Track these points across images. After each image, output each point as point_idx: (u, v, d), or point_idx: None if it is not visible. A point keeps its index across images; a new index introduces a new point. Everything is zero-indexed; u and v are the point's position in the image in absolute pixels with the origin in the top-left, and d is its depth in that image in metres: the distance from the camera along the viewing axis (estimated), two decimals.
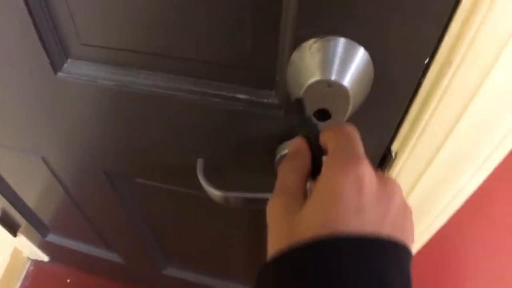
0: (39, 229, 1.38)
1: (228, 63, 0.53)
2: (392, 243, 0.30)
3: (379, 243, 0.30)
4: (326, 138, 0.38)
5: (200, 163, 0.63)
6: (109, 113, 0.67)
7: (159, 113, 0.62)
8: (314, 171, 0.37)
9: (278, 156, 0.58)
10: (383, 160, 0.57)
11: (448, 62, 0.43)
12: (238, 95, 0.55)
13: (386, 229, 0.31)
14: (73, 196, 1.05)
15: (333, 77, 0.42)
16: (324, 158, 0.37)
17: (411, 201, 0.61)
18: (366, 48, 0.43)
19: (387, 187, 0.33)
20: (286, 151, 0.57)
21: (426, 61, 0.44)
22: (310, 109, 0.46)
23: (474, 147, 0.51)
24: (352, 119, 0.51)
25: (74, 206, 1.10)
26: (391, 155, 0.56)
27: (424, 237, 0.69)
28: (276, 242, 0.32)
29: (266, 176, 0.62)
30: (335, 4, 0.40)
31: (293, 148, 0.40)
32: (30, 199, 1.23)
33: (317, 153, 0.38)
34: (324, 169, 0.34)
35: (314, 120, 0.47)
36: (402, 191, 0.34)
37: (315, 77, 0.43)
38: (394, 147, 0.55)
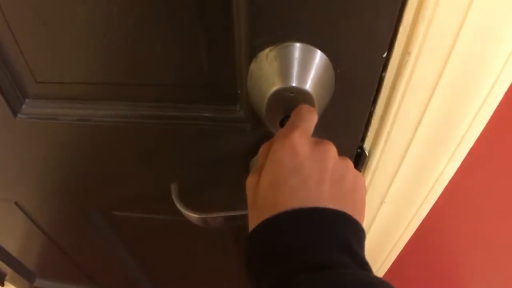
0: (25, 276, 1.34)
1: (186, 83, 0.52)
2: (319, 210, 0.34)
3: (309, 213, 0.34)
4: None
5: (174, 188, 0.61)
6: (74, 149, 0.65)
7: (125, 143, 0.61)
8: None
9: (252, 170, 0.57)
10: (357, 158, 0.57)
11: (406, 53, 0.43)
12: (202, 114, 0.54)
13: (326, 183, 0.35)
14: (53, 238, 1.02)
15: (294, 83, 0.41)
16: None
17: (391, 195, 0.61)
18: (323, 50, 0.43)
19: (320, 147, 0.38)
20: None
21: (385, 55, 0.43)
22: (275, 118, 0.45)
23: (445, 133, 0.51)
24: (319, 122, 0.50)
25: (56, 248, 1.07)
26: (364, 153, 0.55)
27: (410, 229, 0.68)
28: (251, 217, 0.38)
29: (244, 191, 0.60)
30: (285, 11, 0.40)
31: None
32: (12, 247, 1.19)
33: None
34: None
35: None
36: (335, 150, 0.39)
37: (276, 85, 0.42)
38: (367, 144, 0.55)
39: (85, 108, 0.59)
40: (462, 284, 0.89)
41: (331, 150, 0.38)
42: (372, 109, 0.50)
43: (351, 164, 0.40)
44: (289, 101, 0.43)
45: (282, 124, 0.46)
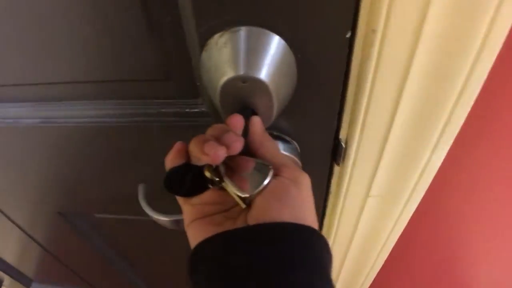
0: (21, 281, 1.32)
1: (142, 78, 0.48)
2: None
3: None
4: None
5: (141, 189, 0.57)
6: (40, 152, 0.62)
7: (89, 143, 0.57)
8: None
9: None
10: (334, 150, 0.52)
11: (371, 31, 0.38)
12: (163, 110, 0.50)
13: None
14: (40, 242, 0.99)
15: (244, 72, 0.37)
16: None
17: (377, 188, 0.56)
18: (278, 33, 0.38)
19: None
20: None
21: (348, 35, 0.39)
22: (233, 110, 0.41)
23: (425, 119, 0.46)
24: (288, 113, 0.46)
25: (47, 254, 1.05)
26: (341, 145, 0.51)
27: (401, 223, 0.64)
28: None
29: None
30: None
31: None
32: (7, 254, 1.18)
33: None
34: None
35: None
36: None
37: (226, 75, 0.38)
38: (343, 135, 0.50)
39: (47, 109, 0.56)
40: (459, 276, 0.85)
41: None
42: (343, 96, 0.45)
43: None
44: (244, 92, 0.38)
45: (243, 114, 0.42)
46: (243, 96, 0.39)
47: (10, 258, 1.21)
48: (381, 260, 0.77)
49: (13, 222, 0.90)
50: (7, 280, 1.34)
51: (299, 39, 0.39)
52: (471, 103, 0.44)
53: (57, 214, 0.79)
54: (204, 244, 0.34)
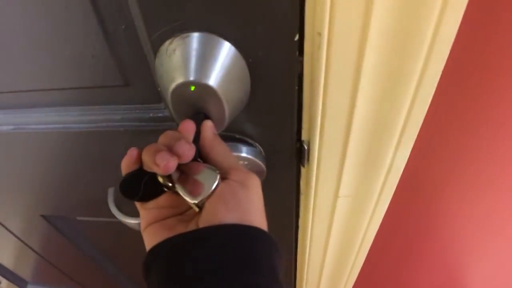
0: (17, 283, 1.34)
1: (106, 84, 0.48)
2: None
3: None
4: None
5: (111, 192, 0.58)
6: (16, 157, 0.63)
7: (61, 148, 0.58)
8: None
9: None
10: (299, 152, 0.53)
11: (317, 34, 0.38)
12: (127, 115, 0.51)
13: None
14: (30, 245, 1.00)
15: (192, 78, 0.37)
16: None
17: (345, 188, 0.57)
18: (227, 38, 0.39)
19: None
20: None
21: (296, 38, 0.39)
22: (184, 114, 0.42)
23: (384, 117, 0.46)
24: (247, 116, 0.47)
25: (37, 256, 1.06)
26: (303, 146, 0.51)
27: (375, 222, 0.64)
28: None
29: None
30: None
31: None
32: (2, 256, 1.19)
33: None
34: None
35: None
36: None
37: (175, 81, 0.38)
38: (304, 137, 0.51)
39: (17, 117, 0.57)
40: (439, 272, 0.85)
41: None
42: (299, 98, 0.46)
43: None
44: (194, 97, 0.39)
45: (195, 119, 0.42)
46: (194, 102, 0.40)
47: (5, 261, 1.22)
48: (361, 259, 0.77)
49: (3, 225, 0.92)
50: (4, 282, 1.35)
51: (248, 44, 0.39)
52: (428, 100, 0.44)
53: (40, 217, 0.80)
54: (154, 249, 0.35)
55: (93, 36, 0.43)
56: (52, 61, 0.47)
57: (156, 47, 0.40)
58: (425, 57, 0.40)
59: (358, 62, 0.40)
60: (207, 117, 0.41)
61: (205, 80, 0.38)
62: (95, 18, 0.41)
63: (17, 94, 0.53)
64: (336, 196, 0.59)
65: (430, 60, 0.40)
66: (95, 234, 0.88)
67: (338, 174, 0.55)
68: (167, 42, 0.39)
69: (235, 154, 0.50)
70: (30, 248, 1.01)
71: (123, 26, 0.42)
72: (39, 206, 0.77)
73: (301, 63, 0.42)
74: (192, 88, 0.38)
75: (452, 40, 0.38)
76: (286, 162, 0.54)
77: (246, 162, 0.51)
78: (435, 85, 0.43)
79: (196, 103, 0.40)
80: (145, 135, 0.52)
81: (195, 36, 0.39)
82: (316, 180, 0.56)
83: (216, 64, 0.38)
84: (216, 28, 0.38)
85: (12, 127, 0.57)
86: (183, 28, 0.39)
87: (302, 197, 0.63)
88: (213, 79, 0.38)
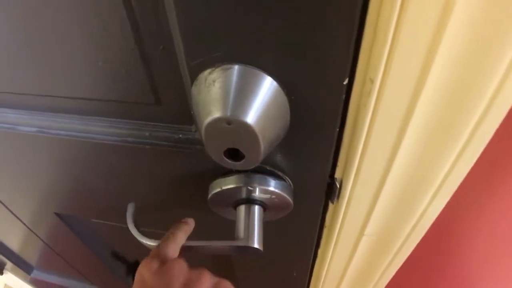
0: (23, 267, 1.34)
1: (137, 101, 0.46)
2: None
3: None
4: None
5: (130, 208, 0.56)
6: (36, 158, 0.61)
7: (82, 156, 0.56)
8: None
9: (210, 194, 0.51)
10: (329, 188, 0.50)
11: (369, 80, 0.36)
12: (155, 133, 0.49)
13: None
14: (40, 236, 1.00)
15: (229, 114, 0.35)
16: None
17: (372, 228, 0.54)
18: (271, 74, 0.36)
19: (165, 267, 0.42)
20: (219, 189, 0.50)
21: (346, 82, 0.36)
22: (219, 148, 0.39)
23: (425, 168, 0.44)
24: (282, 150, 0.44)
25: (45, 246, 1.05)
26: (335, 184, 0.48)
27: (395, 264, 0.62)
28: None
29: (203, 217, 0.55)
30: (225, 28, 0.34)
31: None
32: (11, 241, 1.19)
33: None
34: None
35: None
36: (183, 265, 0.43)
37: (212, 114, 0.36)
38: (338, 175, 0.48)
39: (43, 120, 0.55)
40: None
41: (177, 267, 0.42)
42: (339, 138, 0.43)
43: (207, 275, 0.42)
44: (229, 133, 0.37)
45: (228, 155, 0.40)
46: (229, 137, 0.37)
47: (13, 246, 1.22)
48: None
49: (15, 215, 0.91)
50: (9, 265, 1.36)
51: (293, 83, 0.37)
52: (474, 159, 0.41)
53: (54, 214, 0.79)
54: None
55: (128, 52, 0.41)
56: (83, 70, 0.45)
57: (194, 74, 0.38)
58: (478, 119, 0.37)
59: (408, 113, 0.37)
60: (241, 153, 0.39)
61: (243, 118, 0.35)
62: (132, 36, 0.39)
63: (44, 98, 0.52)
64: (361, 234, 0.56)
65: (483, 122, 0.37)
66: (107, 235, 0.87)
67: (367, 214, 0.52)
68: (207, 72, 0.37)
69: (263, 187, 0.47)
70: (39, 238, 1.00)
71: (161, 47, 0.40)
72: (54, 204, 0.76)
73: (346, 105, 0.39)
74: (229, 124, 0.36)
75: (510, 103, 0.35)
76: (315, 197, 0.52)
77: (273, 196, 0.49)
78: (484, 145, 0.40)
79: (231, 139, 0.38)
80: (171, 155, 0.50)
81: (237, 69, 0.36)
82: (344, 217, 0.53)
83: (257, 100, 0.36)
84: (261, 62, 0.36)
85: (35, 129, 0.56)
86: (224, 59, 0.36)
87: (325, 230, 0.60)
88: (252, 117, 0.35)
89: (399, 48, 0.32)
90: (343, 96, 0.38)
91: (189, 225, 0.51)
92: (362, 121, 0.39)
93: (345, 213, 0.53)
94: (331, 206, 0.54)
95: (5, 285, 1.55)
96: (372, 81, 0.35)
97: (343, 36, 0.32)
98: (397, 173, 0.44)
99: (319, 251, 0.67)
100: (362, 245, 0.59)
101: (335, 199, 0.51)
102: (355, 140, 0.42)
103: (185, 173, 0.53)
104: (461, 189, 0.46)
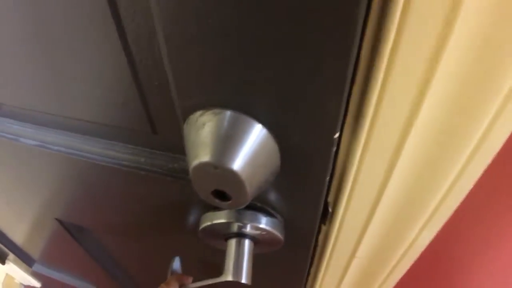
0: (24, 259, 1.36)
1: (133, 127, 0.47)
2: None
3: None
4: None
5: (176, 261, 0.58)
6: (40, 168, 0.62)
7: (80, 174, 0.57)
8: None
9: (201, 226, 0.51)
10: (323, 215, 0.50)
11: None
12: (150, 160, 0.49)
13: None
14: (42, 237, 1.01)
15: (216, 159, 0.35)
16: None
17: (363, 251, 0.54)
18: (263, 122, 0.36)
19: None
20: (209, 222, 0.50)
21: (336, 136, 0.36)
22: (206, 188, 0.39)
23: (415, 196, 0.43)
24: (269, 192, 0.44)
25: (47, 245, 1.07)
26: (328, 209, 0.48)
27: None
28: None
29: (194, 243, 0.56)
30: (217, 71, 0.33)
31: None
32: (13, 235, 1.21)
33: None
34: None
35: None
36: None
37: (199, 158, 0.36)
38: (330, 199, 0.48)
39: (44, 135, 0.56)
40: None
41: None
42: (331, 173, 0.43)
43: None
44: (216, 176, 0.37)
45: (216, 195, 0.40)
46: (215, 180, 0.37)
47: (16, 239, 1.24)
48: None
49: (17, 215, 0.92)
50: (11, 256, 1.38)
51: (284, 132, 0.37)
52: (465, 192, 0.41)
53: (55, 220, 0.80)
54: None
55: (126, 85, 0.41)
56: (83, 95, 0.45)
57: (186, 114, 0.38)
58: (467, 158, 0.36)
59: (397, 150, 0.38)
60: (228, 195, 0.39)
61: (230, 164, 0.35)
62: (129, 71, 0.39)
63: (46, 115, 0.52)
64: (352, 256, 0.57)
65: (473, 159, 0.36)
66: (105, 243, 0.88)
67: (358, 237, 0.53)
68: (198, 113, 0.37)
69: (254, 224, 0.47)
70: (41, 238, 1.02)
71: (157, 83, 0.40)
72: (54, 211, 0.77)
73: (336, 150, 0.39)
74: (216, 168, 0.36)
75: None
76: (305, 234, 0.52)
77: (264, 232, 0.49)
78: (475, 180, 0.39)
79: (218, 181, 0.38)
80: (165, 183, 0.50)
81: (228, 115, 0.36)
82: (335, 239, 0.54)
83: (245, 147, 0.36)
84: (252, 110, 0.36)
85: (37, 143, 0.57)
86: (216, 103, 0.36)
87: (318, 249, 0.60)
88: (239, 164, 0.35)
89: (389, 91, 0.32)
90: (334, 148, 0.38)
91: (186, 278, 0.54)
92: (354, 154, 0.39)
93: (336, 236, 0.53)
94: (323, 227, 0.54)
95: (7, 274, 1.58)
96: (362, 127, 0.35)
97: (336, 91, 0.32)
98: (388, 201, 0.45)
99: (312, 269, 0.67)
100: (354, 267, 0.59)
101: (327, 221, 0.51)
102: (347, 168, 0.42)
103: (177, 201, 0.53)
104: (452, 218, 0.46)
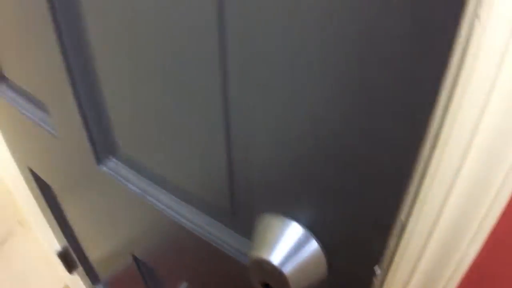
0: (90, 276, 1.47)
1: (215, 204, 0.56)
2: None
3: None
4: None
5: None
6: (132, 210, 0.74)
7: (161, 225, 0.67)
8: None
9: None
10: None
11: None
12: (231, 241, 0.57)
13: None
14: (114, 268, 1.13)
15: (271, 259, 0.43)
16: None
17: None
18: (321, 241, 0.44)
19: None
20: None
21: (378, 272, 0.42)
22: (257, 277, 0.47)
23: None
24: None
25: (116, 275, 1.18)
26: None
27: None
28: None
29: None
30: (302, 194, 0.42)
31: None
32: (91, 253, 1.34)
33: None
34: None
35: None
36: None
37: (258, 251, 0.44)
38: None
39: (149, 184, 0.67)
40: None
41: None
42: None
43: None
44: (267, 272, 0.44)
45: (264, 286, 0.47)
46: (265, 275, 0.45)
47: (91, 256, 1.36)
48: None
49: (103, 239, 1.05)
50: (80, 268, 1.49)
51: (333, 254, 0.43)
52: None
53: (130, 255, 0.92)
54: None
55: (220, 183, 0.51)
56: (180, 168, 0.56)
57: (261, 210, 0.47)
58: None
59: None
60: None
61: (281, 267, 0.43)
62: (225, 158, 0.49)
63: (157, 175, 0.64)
64: None
65: None
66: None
67: None
68: (269, 215, 0.45)
69: None
70: (114, 267, 1.13)
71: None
72: (133, 247, 0.88)
73: None
74: (268, 265, 0.43)
75: None
76: None
77: None
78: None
79: (267, 277, 0.45)
80: (230, 261, 0.57)
81: (294, 226, 0.44)
82: None
83: (298, 257, 0.43)
84: (315, 228, 0.44)
85: (140, 191, 0.68)
86: (290, 216, 0.44)
87: None
88: (289, 270, 0.43)
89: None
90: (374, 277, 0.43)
91: None
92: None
93: None
94: None
95: (65, 285, 1.68)
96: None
97: (381, 234, 0.38)
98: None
99: None
100: None
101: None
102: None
103: (237, 280, 0.60)
104: None
